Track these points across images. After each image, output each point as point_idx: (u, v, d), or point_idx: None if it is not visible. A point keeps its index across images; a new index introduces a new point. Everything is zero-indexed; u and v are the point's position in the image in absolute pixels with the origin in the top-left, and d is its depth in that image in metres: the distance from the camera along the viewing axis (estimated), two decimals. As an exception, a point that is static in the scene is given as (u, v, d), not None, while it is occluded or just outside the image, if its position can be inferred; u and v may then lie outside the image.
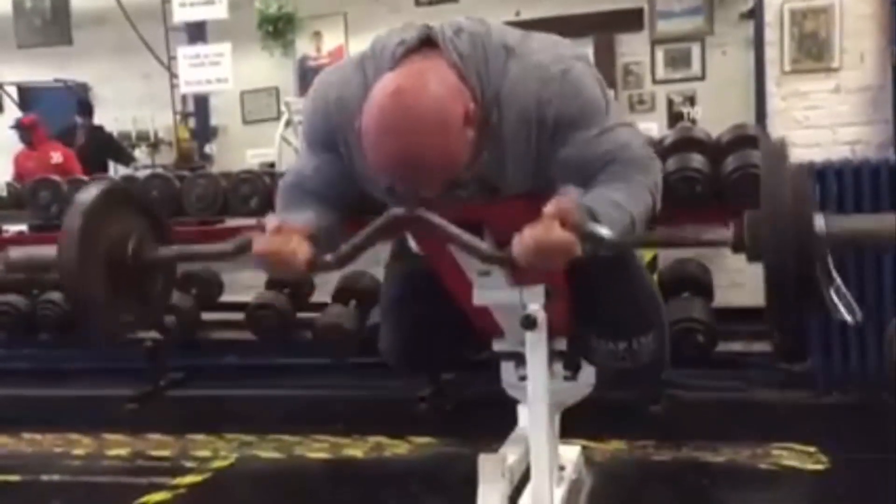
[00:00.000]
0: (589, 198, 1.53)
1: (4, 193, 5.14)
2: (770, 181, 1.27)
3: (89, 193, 1.60)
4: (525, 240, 1.44)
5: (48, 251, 1.59)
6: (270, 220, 1.58)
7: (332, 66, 1.75)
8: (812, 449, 3.02)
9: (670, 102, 7.30)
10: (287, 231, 1.55)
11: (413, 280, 1.97)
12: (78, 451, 3.54)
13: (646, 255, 3.71)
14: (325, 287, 4.26)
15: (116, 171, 7.24)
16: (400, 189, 1.50)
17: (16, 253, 1.78)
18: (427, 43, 1.53)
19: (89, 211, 1.56)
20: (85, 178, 4.90)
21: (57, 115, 7.27)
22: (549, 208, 1.43)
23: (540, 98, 1.52)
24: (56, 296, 4.68)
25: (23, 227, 5.49)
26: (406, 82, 1.45)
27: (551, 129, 1.54)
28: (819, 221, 1.27)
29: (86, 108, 7.28)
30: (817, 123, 4.10)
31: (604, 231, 1.43)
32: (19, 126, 6.48)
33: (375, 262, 2.54)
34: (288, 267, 1.55)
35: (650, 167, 1.63)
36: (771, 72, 4.16)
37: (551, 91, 1.52)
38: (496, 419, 2.24)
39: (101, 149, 7.11)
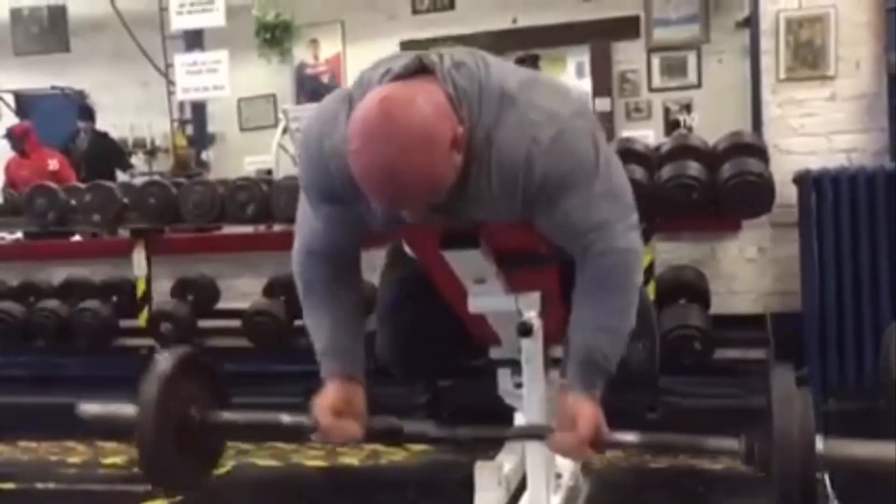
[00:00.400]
0: (591, 328, 1.63)
1: (0, 200, 5.14)
2: (780, 414, 1.52)
3: (165, 363, 1.83)
4: (559, 446, 1.69)
5: (125, 410, 1.86)
6: (322, 416, 1.71)
7: (317, 109, 1.67)
8: (809, 456, 3.01)
9: (667, 110, 7.29)
10: (337, 412, 1.72)
11: (409, 285, 1.97)
12: (74, 459, 3.54)
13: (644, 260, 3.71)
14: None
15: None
16: (380, 207, 1.47)
17: (92, 409, 1.99)
18: (422, 71, 1.49)
19: (165, 380, 1.80)
20: (81, 185, 4.90)
21: (54, 122, 7.26)
22: (583, 425, 1.60)
23: (529, 156, 1.49)
24: (52, 303, 4.68)
25: (19, 235, 5.50)
26: (395, 95, 1.43)
27: (537, 186, 1.52)
28: (819, 446, 1.50)
29: (87, 113, 7.29)
30: (813, 131, 4.11)
31: (630, 438, 1.70)
32: (10, 135, 6.48)
33: (371, 269, 2.54)
34: (347, 442, 1.83)
35: (635, 261, 1.64)
36: (767, 80, 4.17)
37: (541, 150, 1.49)
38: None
39: (105, 155, 7.13)
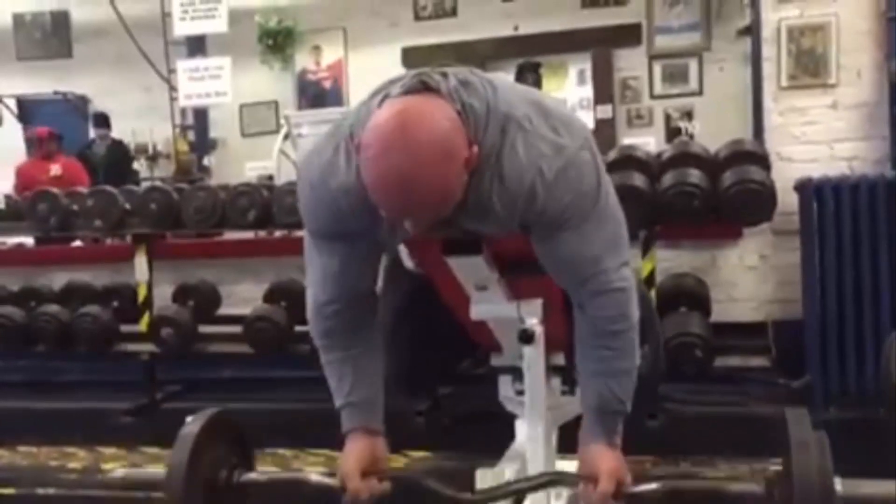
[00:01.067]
0: (600, 376, 1.65)
1: (2, 206, 5.14)
2: (799, 459, 1.57)
3: (194, 426, 1.84)
4: (588, 499, 1.67)
5: (154, 473, 1.98)
6: (349, 480, 1.74)
7: (312, 152, 1.63)
8: (810, 464, 3.01)
9: (668, 117, 7.30)
10: (363, 472, 1.74)
11: (405, 307, 1.96)
12: (74, 465, 3.53)
13: (644, 268, 3.72)
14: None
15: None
16: (389, 216, 1.46)
17: (121, 472, 2.09)
18: (424, 91, 1.46)
19: (193, 445, 1.81)
20: (83, 190, 4.90)
21: (56, 127, 7.27)
22: (605, 480, 1.64)
23: (533, 186, 1.50)
24: (53, 308, 4.68)
25: (20, 240, 5.51)
26: (413, 106, 1.41)
27: (536, 214, 1.53)
28: (838, 487, 1.56)
29: (103, 120, 7.32)
30: (814, 139, 4.12)
31: (653, 486, 1.78)
32: (37, 138, 6.51)
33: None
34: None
35: (630, 298, 1.64)
36: (768, 87, 4.18)
37: (545, 183, 1.50)
38: (494, 434, 2.24)
39: (120, 162, 7.17)
